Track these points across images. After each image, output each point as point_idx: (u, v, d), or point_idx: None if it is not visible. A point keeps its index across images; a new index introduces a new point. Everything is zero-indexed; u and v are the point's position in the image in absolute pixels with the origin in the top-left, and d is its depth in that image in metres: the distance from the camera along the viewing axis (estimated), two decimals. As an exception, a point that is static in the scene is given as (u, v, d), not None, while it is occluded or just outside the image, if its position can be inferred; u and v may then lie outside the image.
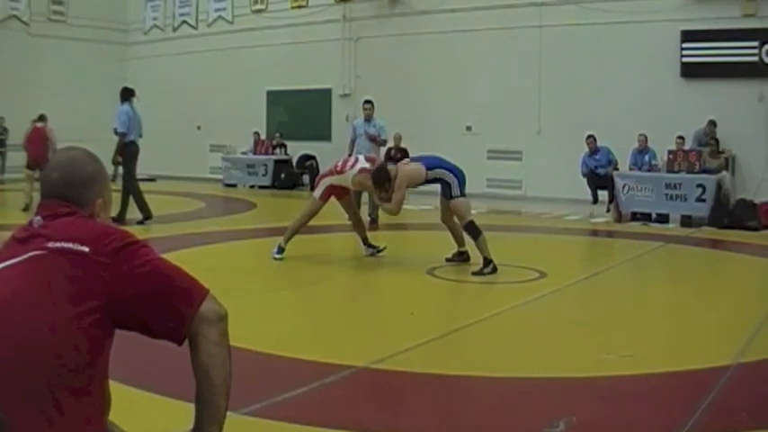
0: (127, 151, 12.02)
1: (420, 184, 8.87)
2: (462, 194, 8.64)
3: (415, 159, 9.28)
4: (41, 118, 15.13)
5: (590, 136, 14.76)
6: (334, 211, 10.36)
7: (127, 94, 12.33)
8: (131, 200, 11.92)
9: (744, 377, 4.82)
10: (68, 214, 2.09)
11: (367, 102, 13.56)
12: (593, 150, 14.75)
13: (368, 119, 13.37)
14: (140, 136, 12.39)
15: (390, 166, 8.85)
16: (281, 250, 9.06)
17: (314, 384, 4.49)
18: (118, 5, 24.89)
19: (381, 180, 8.65)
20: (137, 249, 2.04)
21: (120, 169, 12.47)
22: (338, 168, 9.26)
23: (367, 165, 9.11)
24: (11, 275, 1.97)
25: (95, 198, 2.17)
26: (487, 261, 8.27)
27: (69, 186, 2.14)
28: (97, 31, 23.46)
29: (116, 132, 12.13)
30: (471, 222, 8.51)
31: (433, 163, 8.83)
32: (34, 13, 22.75)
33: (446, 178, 8.64)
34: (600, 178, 14.57)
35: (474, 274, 8.26)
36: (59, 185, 2.14)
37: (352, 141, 13.44)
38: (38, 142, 14.27)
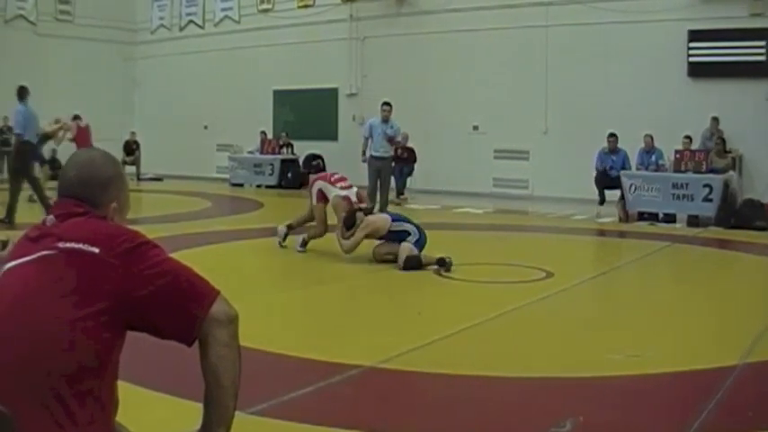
0: (22, 151, 11.85)
1: (382, 236, 9.09)
2: (417, 245, 8.86)
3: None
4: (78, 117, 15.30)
5: (612, 134, 14.42)
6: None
7: (24, 93, 12.12)
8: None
9: (750, 377, 4.81)
10: (81, 214, 2.09)
11: (386, 104, 13.69)
12: (613, 150, 14.55)
13: (386, 120, 13.50)
14: (37, 135, 12.32)
15: (359, 215, 9.17)
16: (304, 243, 9.55)
17: (320, 384, 4.50)
18: (125, 5, 24.93)
19: (349, 223, 9.11)
20: (147, 250, 2.04)
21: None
22: (332, 179, 9.79)
23: (350, 195, 9.52)
24: (21, 275, 1.98)
25: (110, 201, 2.17)
26: (439, 260, 8.51)
27: (85, 186, 2.14)
28: (104, 30, 23.50)
29: (6, 131, 12.00)
30: (407, 258, 8.68)
31: (400, 218, 9.29)
32: (41, 13, 22.81)
33: (409, 230, 8.96)
34: (610, 179, 14.40)
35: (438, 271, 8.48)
36: (75, 184, 2.15)
37: (366, 140, 13.55)
38: (88, 141, 14.31)
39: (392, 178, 15.09)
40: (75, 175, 2.16)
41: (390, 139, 13.43)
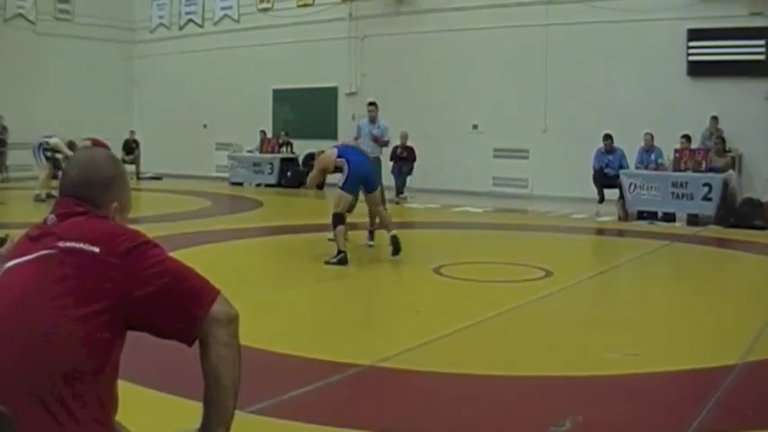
0: None
1: (333, 171, 9.52)
2: (344, 189, 9.13)
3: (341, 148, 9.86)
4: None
5: (608, 136, 14.51)
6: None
7: None
8: None
9: (749, 377, 4.82)
10: (82, 213, 2.09)
11: (371, 103, 13.67)
12: (609, 150, 14.61)
13: (372, 120, 13.49)
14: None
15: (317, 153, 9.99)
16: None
17: (319, 383, 4.50)
18: (124, 4, 24.93)
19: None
20: (148, 250, 2.03)
21: None
22: None
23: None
24: (21, 274, 1.98)
25: (111, 200, 2.17)
26: (339, 251, 8.77)
27: (86, 185, 2.14)
28: (103, 29, 23.50)
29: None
30: (336, 214, 9.00)
31: (344, 152, 9.44)
32: (40, 12, 22.81)
33: (343, 168, 9.22)
34: (607, 178, 14.49)
35: (326, 263, 8.70)
36: (76, 184, 2.15)
37: (356, 140, 13.54)
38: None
39: (385, 177, 15.06)
40: (77, 175, 2.16)
41: (376, 139, 13.41)
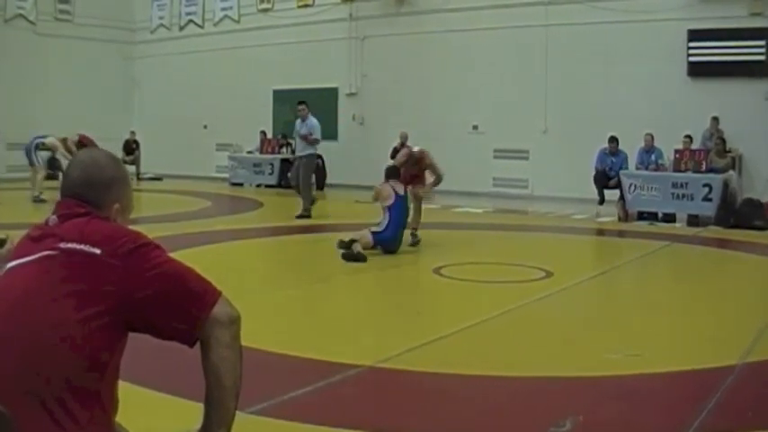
0: None
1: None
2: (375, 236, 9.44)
3: None
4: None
5: (613, 139, 14.47)
6: (341, 211, 10.38)
7: None
8: None
9: (750, 377, 4.82)
10: (84, 215, 2.09)
11: (299, 103, 13.97)
12: (614, 153, 14.54)
13: (303, 119, 13.72)
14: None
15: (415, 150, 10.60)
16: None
17: (320, 383, 4.50)
18: (124, 4, 24.91)
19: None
20: (149, 251, 2.04)
21: None
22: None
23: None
24: (22, 275, 1.98)
25: (113, 201, 2.18)
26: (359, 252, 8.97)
27: (88, 187, 2.14)
28: (104, 30, 23.48)
29: None
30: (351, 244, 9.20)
31: (393, 208, 9.75)
32: (41, 13, 22.79)
33: (381, 221, 9.64)
34: (608, 179, 14.45)
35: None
36: (78, 185, 2.15)
37: (293, 140, 13.98)
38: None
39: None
40: (79, 176, 2.16)
41: (304, 138, 13.66)
